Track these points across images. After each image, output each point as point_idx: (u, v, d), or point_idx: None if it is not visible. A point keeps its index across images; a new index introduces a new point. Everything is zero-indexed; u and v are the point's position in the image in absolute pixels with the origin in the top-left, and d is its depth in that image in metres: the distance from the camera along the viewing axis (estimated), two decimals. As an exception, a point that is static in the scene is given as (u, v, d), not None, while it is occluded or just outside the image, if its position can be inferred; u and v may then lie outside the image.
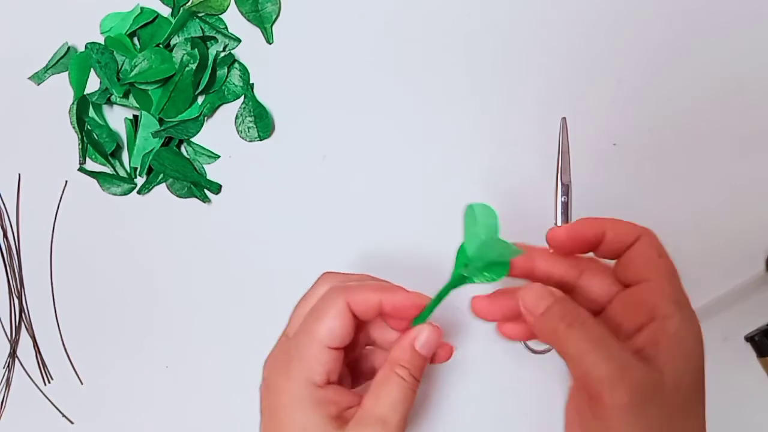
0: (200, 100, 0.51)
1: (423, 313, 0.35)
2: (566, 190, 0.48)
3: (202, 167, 0.51)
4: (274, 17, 0.51)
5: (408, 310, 0.35)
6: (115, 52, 0.51)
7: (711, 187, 0.48)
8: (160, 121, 0.51)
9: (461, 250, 0.34)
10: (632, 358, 0.30)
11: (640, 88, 0.49)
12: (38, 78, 0.53)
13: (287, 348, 0.35)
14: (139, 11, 0.51)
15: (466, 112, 0.50)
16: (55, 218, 0.52)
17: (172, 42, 0.51)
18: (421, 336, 0.34)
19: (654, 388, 0.29)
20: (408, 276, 0.38)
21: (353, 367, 0.39)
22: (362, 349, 0.39)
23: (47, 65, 0.53)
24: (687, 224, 0.48)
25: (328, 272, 0.37)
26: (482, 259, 0.33)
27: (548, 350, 0.47)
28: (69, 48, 0.52)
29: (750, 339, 0.47)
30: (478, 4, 0.50)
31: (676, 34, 0.49)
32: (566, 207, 0.47)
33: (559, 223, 0.47)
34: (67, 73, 0.52)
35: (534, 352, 0.46)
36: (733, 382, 0.48)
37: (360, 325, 0.36)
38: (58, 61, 0.52)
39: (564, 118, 0.48)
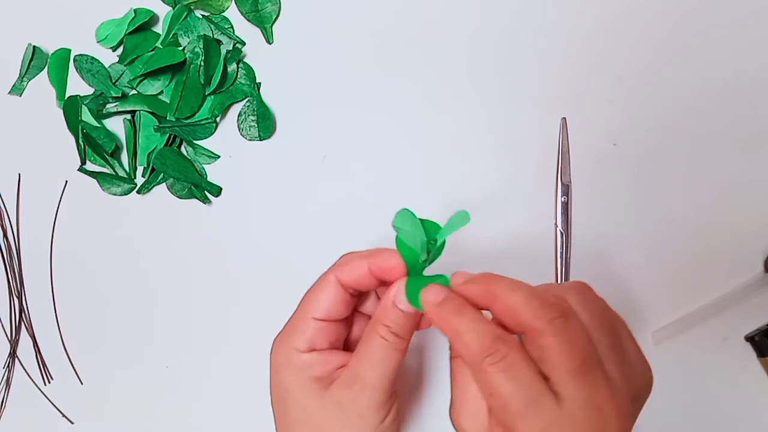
0: (208, 102, 0.51)
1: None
2: (566, 190, 0.48)
3: (203, 168, 0.51)
4: (274, 17, 0.51)
5: (396, 269, 0.34)
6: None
7: (711, 187, 0.48)
8: (160, 120, 0.51)
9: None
10: (546, 390, 0.29)
11: (640, 88, 0.49)
12: (17, 89, 0.53)
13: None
14: (133, 14, 0.51)
15: (467, 112, 0.50)
16: (55, 218, 0.52)
17: (181, 41, 0.51)
18: (401, 292, 0.34)
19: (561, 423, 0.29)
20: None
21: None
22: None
23: (20, 74, 0.52)
24: (687, 224, 0.48)
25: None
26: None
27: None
28: (35, 48, 0.52)
29: (750, 339, 0.47)
30: (478, 4, 0.50)
31: (676, 34, 0.49)
32: (566, 207, 0.47)
33: (559, 224, 0.47)
34: (45, 73, 0.52)
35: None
36: (733, 382, 0.48)
37: (361, 296, 0.38)
38: (29, 66, 0.52)
39: (564, 118, 0.48)
